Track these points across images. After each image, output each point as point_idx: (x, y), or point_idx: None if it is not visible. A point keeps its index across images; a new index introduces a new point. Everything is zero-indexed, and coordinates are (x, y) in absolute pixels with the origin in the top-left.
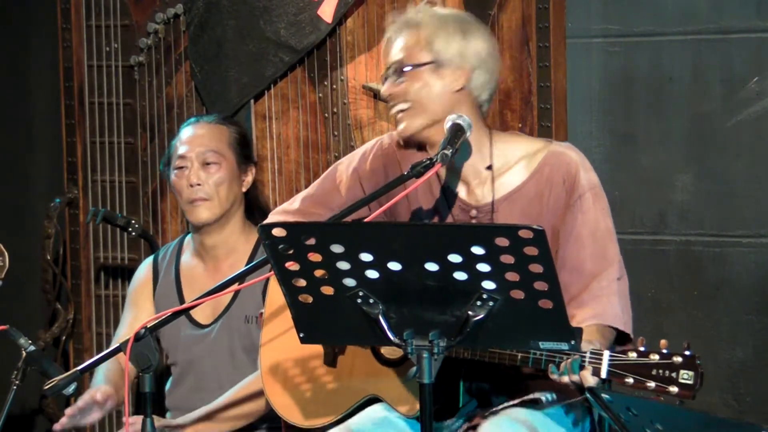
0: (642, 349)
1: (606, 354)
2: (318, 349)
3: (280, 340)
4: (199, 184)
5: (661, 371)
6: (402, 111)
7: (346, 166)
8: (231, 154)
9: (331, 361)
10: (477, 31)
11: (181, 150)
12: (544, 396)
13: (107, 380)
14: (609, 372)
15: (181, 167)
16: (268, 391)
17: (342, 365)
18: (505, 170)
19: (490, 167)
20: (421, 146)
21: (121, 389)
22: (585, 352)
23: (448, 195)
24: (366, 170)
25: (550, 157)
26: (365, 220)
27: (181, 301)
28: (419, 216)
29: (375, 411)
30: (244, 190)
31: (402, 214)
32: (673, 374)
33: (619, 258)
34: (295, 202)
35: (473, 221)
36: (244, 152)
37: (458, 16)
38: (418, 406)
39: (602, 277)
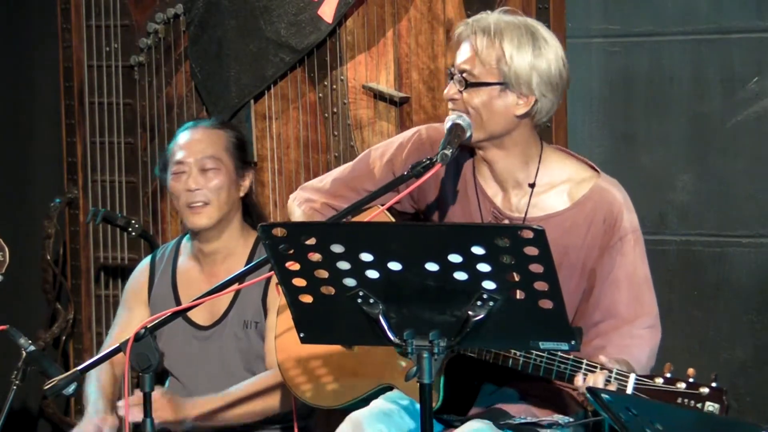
0: (668, 375)
1: (632, 376)
2: None
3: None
4: (198, 189)
5: (686, 400)
6: (463, 119)
7: (380, 154)
8: (229, 159)
9: (349, 347)
10: (550, 50)
11: (179, 155)
12: (561, 419)
13: (102, 395)
14: (633, 394)
15: (180, 172)
16: (285, 375)
17: (360, 352)
18: (547, 189)
19: (532, 185)
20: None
21: (114, 399)
22: (611, 371)
23: (481, 200)
24: (401, 162)
25: (595, 193)
26: (370, 217)
27: (178, 304)
28: (449, 219)
29: (383, 401)
30: (242, 194)
31: (437, 213)
32: (699, 405)
33: (656, 308)
34: (325, 180)
35: None
36: (242, 157)
37: (533, 31)
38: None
39: (635, 324)
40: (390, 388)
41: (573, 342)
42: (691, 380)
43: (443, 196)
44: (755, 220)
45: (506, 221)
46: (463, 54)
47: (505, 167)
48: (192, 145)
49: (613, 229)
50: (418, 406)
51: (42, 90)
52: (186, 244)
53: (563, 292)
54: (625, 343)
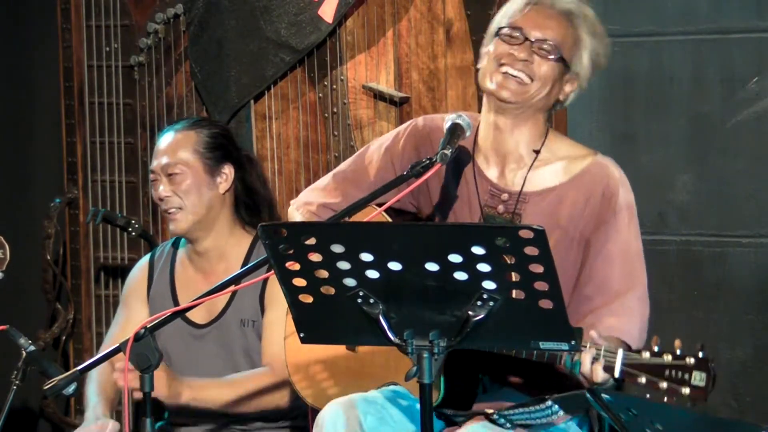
0: (656, 349)
1: (620, 352)
2: None
3: None
4: (168, 196)
5: (674, 372)
6: (518, 80)
7: (378, 146)
8: (196, 159)
9: (353, 348)
10: (606, 47)
11: (152, 164)
12: (551, 400)
13: (101, 398)
14: (622, 371)
15: (153, 181)
16: (294, 379)
17: (363, 351)
18: (545, 164)
19: (537, 151)
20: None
21: (115, 400)
22: (600, 348)
23: (478, 176)
24: (398, 150)
25: (594, 167)
26: (368, 218)
27: (176, 303)
28: (449, 202)
29: (373, 391)
30: (222, 191)
31: (435, 199)
32: (686, 375)
33: (645, 280)
34: (326, 178)
35: (501, 206)
36: (215, 154)
37: (601, 23)
38: (436, 394)
39: (626, 297)
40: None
41: (573, 342)
42: (678, 352)
43: (444, 184)
44: (755, 220)
45: (505, 195)
46: (553, 26)
47: (515, 138)
48: (159, 152)
49: (609, 203)
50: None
51: (42, 90)
52: (183, 243)
53: (562, 265)
54: (616, 320)
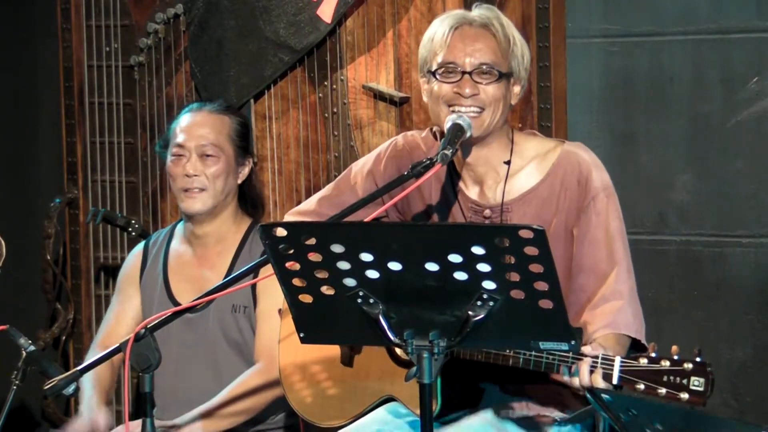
0: (653, 355)
1: (617, 360)
2: (335, 348)
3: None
4: (196, 175)
5: (672, 378)
6: (476, 114)
7: (360, 167)
8: (230, 146)
9: (347, 361)
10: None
11: (180, 138)
12: (555, 414)
13: (96, 389)
14: (620, 378)
15: (179, 155)
16: (287, 387)
17: (358, 365)
18: (519, 170)
19: (508, 162)
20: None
21: (110, 389)
22: (597, 357)
23: (460, 197)
24: (380, 171)
25: (563, 159)
26: (366, 219)
27: (167, 286)
28: (432, 217)
29: (382, 412)
30: (239, 182)
31: (417, 215)
32: (684, 381)
33: (628, 259)
34: (311, 202)
35: (487, 221)
36: (243, 144)
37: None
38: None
39: (612, 278)
40: (391, 400)
41: (573, 342)
42: (675, 357)
43: (427, 207)
44: (755, 220)
45: (487, 211)
46: (482, 46)
47: (485, 159)
48: (194, 129)
49: (585, 189)
50: (404, 418)
51: (42, 90)
52: (180, 228)
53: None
54: (608, 305)
